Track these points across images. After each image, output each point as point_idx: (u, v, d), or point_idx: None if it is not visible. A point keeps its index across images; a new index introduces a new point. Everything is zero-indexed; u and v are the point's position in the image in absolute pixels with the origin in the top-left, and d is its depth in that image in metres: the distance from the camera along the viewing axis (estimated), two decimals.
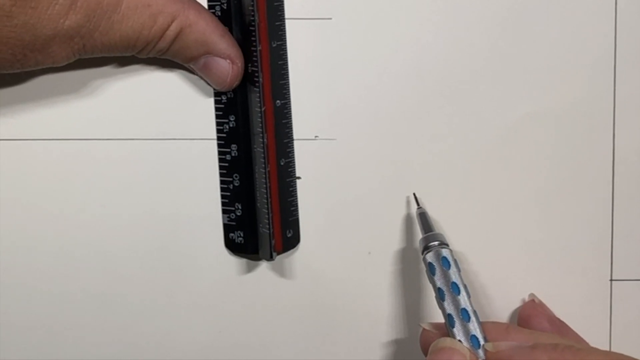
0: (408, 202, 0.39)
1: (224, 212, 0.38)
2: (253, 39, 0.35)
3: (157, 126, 0.38)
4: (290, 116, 0.38)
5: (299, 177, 0.38)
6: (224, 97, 0.37)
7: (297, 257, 0.39)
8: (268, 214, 0.36)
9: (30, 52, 0.32)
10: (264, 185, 0.36)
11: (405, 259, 0.39)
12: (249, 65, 0.36)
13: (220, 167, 0.38)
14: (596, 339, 0.39)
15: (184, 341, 0.39)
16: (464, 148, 0.39)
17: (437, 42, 0.38)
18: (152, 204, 0.38)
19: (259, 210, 0.37)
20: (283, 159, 0.37)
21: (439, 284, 0.34)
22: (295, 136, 0.38)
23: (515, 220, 0.39)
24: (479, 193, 0.39)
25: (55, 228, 0.38)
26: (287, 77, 0.37)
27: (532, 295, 0.39)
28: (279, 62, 0.37)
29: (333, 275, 0.39)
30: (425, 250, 0.35)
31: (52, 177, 0.38)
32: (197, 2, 0.35)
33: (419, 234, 0.38)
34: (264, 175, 0.36)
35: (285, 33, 0.37)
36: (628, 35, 0.38)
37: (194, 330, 0.39)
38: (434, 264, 0.35)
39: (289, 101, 0.38)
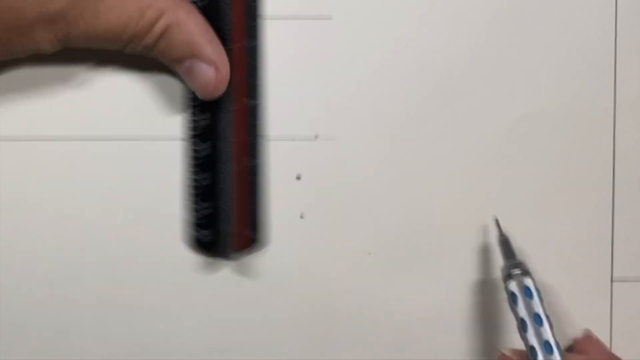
0: (408, 203, 0.39)
1: (188, 209, 0.38)
2: (228, 37, 0.35)
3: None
4: (263, 117, 0.38)
5: (298, 177, 0.38)
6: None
7: (299, 257, 0.39)
8: (231, 214, 0.36)
9: (15, 36, 0.32)
10: (229, 185, 0.36)
11: (406, 259, 0.39)
12: None
13: (188, 164, 0.37)
14: None
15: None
16: (464, 148, 0.39)
17: (437, 42, 0.38)
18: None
19: (222, 210, 0.37)
20: (252, 160, 0.37)
21: (521, 314, 0.34)
22: (295, 135, 0.38)
23: (515, 220, 0.39)
24: (479, 193, 0.39)
25: (55, 228, 0.38)
26: (262, 77, 0.37)
27: (587, 330, 0.39)
28: (254, 62, 0.37)
29: (333, 275, 0.39)
30: (508, 278, 0.35)
31: (52, 177, 0.38)
32: (189, 3, 0.35)
33: (419, 234, 0.38)
34: (230, 175, 0.36)
35: (262, 33, 0.37)
36: (628, 35, 0.39)
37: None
38: (517, 293, 0.34)
39: (262, 102, 0.37)
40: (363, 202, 0.39)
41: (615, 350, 0.39)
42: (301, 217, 0.38)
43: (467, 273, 0.39)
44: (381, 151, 0.39)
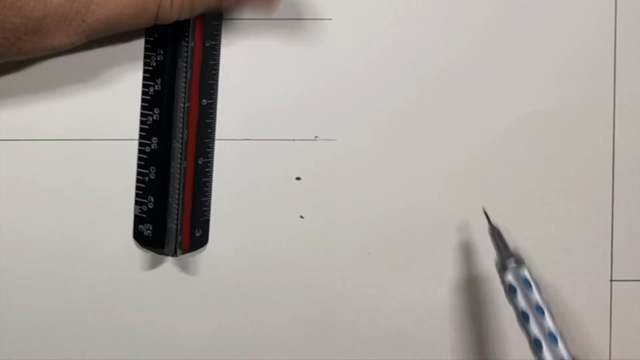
0: (408, 203, 0.39)
1: (136, 203, 0.38)
2: (186, 34, 0.36)
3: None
4: (215, 116, 0.38)
5: (298, 178, 0.38)
6: (151, 89, 0.37)
7: (299, 257, 0.39)
8: (178, 210, 0.36)
9: (24, 34, 0.32)
10: (178, 181, 0.36)
11: (405, 259, 0.39)
12: (179, 60, 0.36)
13: (139, 159, 0.37)
14: (596, 339, 0.39)
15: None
16: (464, 148, 0.39)
17: (437, 43, 0.38)
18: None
19: (170, 206, 0.37)
20: (201, 158, 0.37)
21: (521, 306, 0.33)
22: (295, 136, 0.38)
23: (515, 221, 0.39)
24: (479, 193, 0.39)
25: (55, 228, 0.38)
26: (217, 77, 0.37)
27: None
28: (211, 62, 0.37)
29: (333, 275, 0.39)
30: (503, 270, 0.34)
31: (52, 177, 0.38)
32: None
33: (419, 234, 0.38)
34: (179, 171, 0.36)
35: (220, 33, 0.37)
36: (628, 35, 0.39)
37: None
38: (515, 285, 0.34)
39: (215, 101, 0.38)
40: (363, 203, 0.39)
41: (615, 350, 0.39)
42: (301, 217, 0.39)
43: (467, 273, 0.39)
44: (381, 152, 0.39)
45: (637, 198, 0.39)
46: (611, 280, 0.40)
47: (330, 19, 0.38)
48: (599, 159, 0.39)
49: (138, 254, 0.38)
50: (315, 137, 0.38)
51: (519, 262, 0.34)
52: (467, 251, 0.39)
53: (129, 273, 0.38)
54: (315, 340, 0.39)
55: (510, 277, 0.34)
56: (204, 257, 0.38)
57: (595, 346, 0.39)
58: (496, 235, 0.36)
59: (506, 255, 0.35)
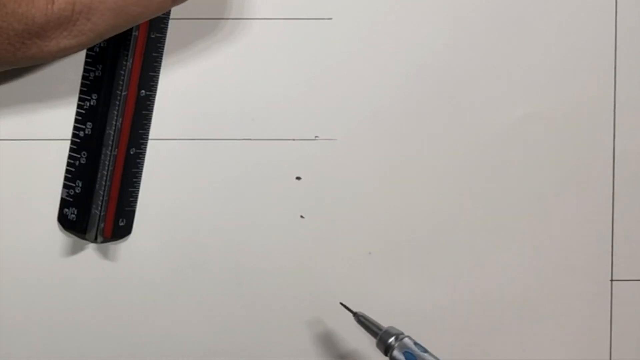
0: (408, 203, 0.39)
1: (64, 186, 0.38)
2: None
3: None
4: (152, 109, 0.38)
5: (298, 178, 0.38)
6: (91, 74, 0.37)
7: (299, 257, 0.39)
8: (103, 197, 0.37)
9: (27, 39, 0.32)
10: (107, 169, 0.36)
11: (406, 259, 0.39)
12: (122, 48, 0.36)
13: (72, 142, 0.37)
14: (596, 339, 0.39)
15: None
16: (464, 148, 0.39)
17: (437, 42, 0.38)
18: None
19: (96, 192, 0.37)
20: (134, 148, 0.37)
21: None
22: (295, 136, 0.38)
23: (515, 221, 0.39)
24: (479, 193, 0.39)
25: (55, 226, 0.38)
26: (159, 70, 0.37)
27: None
28: (154, 54, 0.37)
29: (333, 275, 0.39)
30: (389, 350, 0.34)
31: (52, 177, 0.38)
32: None
33: (419, 234, 0.38)
34: (109, 159, 0.36)
35: (167, 27, 0.37)
36: (628, 35, 0.39)
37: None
38: (411, 356, 0.34)
39: (155, 94, 0.37)
40: (363, 202, 0.39)
41: (615, 350, 0.39)
42: (301, 217, 0.39)
43: (467, 273, 0.39)
44: (381, 151, 0.39)
45: (637, 198, 0.39)
46: (611, 280, 0.40)
47: (331, 19, 0.38)
48: (599, 159, 0.39)
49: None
50: (315, 137, 0.38)
51: (398, 335, 0.34)
52: (467, 250, 0.39)
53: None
54: (314, 340, 0.39)
55: (398, 354, 0.34)
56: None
57: (595, 346, 0.39)
58: (363, 320, 0.36)
59: (384, 335, 0.34)
